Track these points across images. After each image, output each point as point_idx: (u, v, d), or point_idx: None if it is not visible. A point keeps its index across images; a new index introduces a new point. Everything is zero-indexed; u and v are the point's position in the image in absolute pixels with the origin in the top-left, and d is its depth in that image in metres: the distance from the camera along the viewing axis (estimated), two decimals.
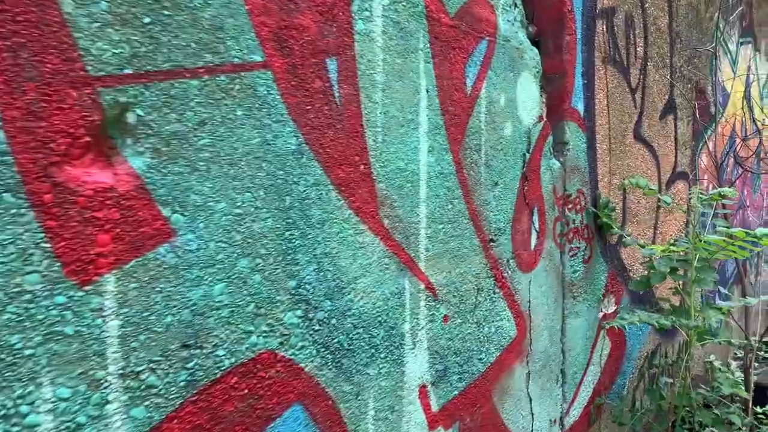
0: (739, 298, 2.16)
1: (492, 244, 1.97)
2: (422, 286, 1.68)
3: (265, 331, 1.27)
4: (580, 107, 2.40)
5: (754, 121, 3.72)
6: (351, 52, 1.45)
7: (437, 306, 1.74)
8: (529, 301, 2.16)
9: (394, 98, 1.57)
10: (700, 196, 2.26)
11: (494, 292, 1.98)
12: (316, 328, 1.38)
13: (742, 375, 3.49)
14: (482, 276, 1.92)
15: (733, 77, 4.14)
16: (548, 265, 2.26)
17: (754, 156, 3.94)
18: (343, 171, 1.43)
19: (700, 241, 2.12)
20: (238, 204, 1.21)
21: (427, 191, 1.69)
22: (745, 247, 1.99)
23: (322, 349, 1.40)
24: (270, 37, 1.26)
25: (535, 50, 2.16)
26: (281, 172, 1.29)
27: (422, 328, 1.69)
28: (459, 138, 1.80)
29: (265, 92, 1.26)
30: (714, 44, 3.23)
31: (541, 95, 2.25)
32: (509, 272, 2.05)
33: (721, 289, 2.37)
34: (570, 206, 2.37)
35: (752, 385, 2.70)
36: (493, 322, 1.97)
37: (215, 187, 1.17)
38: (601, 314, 2.66)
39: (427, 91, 1.68)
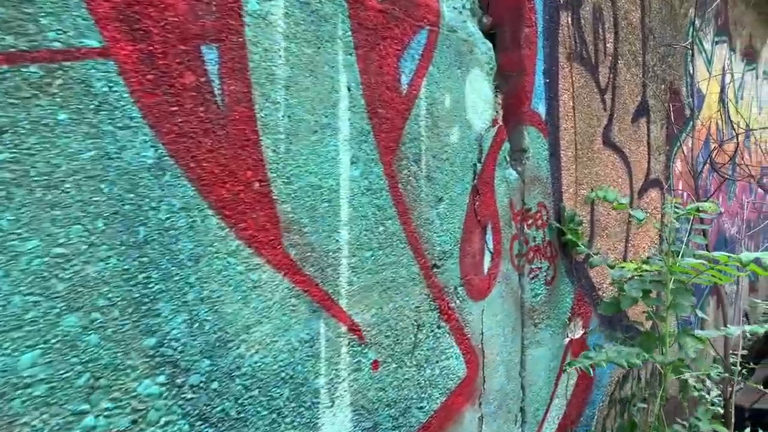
0: (719, 328, 1.90)
1: (436, 270, 1.67)
2: (343, 329, 1.37)
3: (107, 409, 0.95)
4: (542, 109, 2.11)
5: (731, 123, 3.50)
6: (239, 39, 1.13)
7: (364, 351, 1.43)
8: (482, 334, 1.87)
9: (303, 97, 1.26)
10: (676, 210, 2.00)
11: (439, 327, 1.68)
12: (189, 396, 1.06)
13: (720, 395, 3.26)
14: (423, 309, 1.62)
15: (709, 77, 3.92)
16: (505, 291, 1.97)
17: (730, 162, 3.72)
18: (228, 190, 1.12)
19: (676, 263, 1.86)
20: (61, 241, 0.89)
21: (350, 212, 1.38)
22: (728, 272, 1.72)
23: (198, 422, 1.08)
24: (112, 16, 0.94)
25: (488, 44, 1.87)
26: (131, 196, 0.97)
27: (343, 379, 1.38)
28: (392, 146, 1.50)
29: (105, 89, 0.93)
30: (690, 40, 2.99)
31: (495, 96, 1.95)
32: (457, 302, 1.75)
33: (699, 313, 2.11)
34: (530, 222, 2.08)
35: (733, 420, 2.46)
36: (437, 362, 1.67)
37: (21, 219, 0.84)
38: (567, 340, 2.38)
39: (349, 89, 1.37)
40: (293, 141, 1.24)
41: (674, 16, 3.30)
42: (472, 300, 1.82)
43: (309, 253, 1.28)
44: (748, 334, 1.83)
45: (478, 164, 1.82)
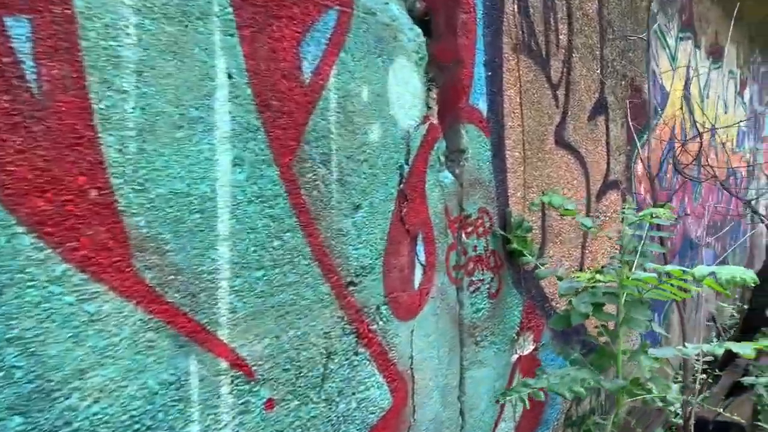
0: (676, 347, 1.72)
1: (352, 288, 1.45)
2: (224, 365, 1.15)
3: None
4: (483, 106, 1.91)
5: (694, 123, 3.35)
6: (65, 11, 0.90)
7: (255, 388, 1.21)
8: (412, 357, 1.66)
9: (163, 85, 1.03)
10: (630, 215, 1.81)
11: (356, 354, 1.46)
12: None
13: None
14: (335, 335, 1.40)
15: (672, 74, 3.78)
16: (439, 307, 1.76)
17: (694, 162, 3.58)
18: (49, 201, 0.88)
19: (628, 276, 1.67)
20: None
21: (233, 224, 1.15)
22: (684, 288, 1.54)
23: None
24: None
25: (417, 30, 1.66)
26: None
27: (226, 425, 1.15)
28: (292, 146, 1.27)
29: None
30: (647, 33, 2.81)
31: (429, 89, 1.75)
32: (380, 323, 1.54)
33: (656, 328, 1.94)
34: (469, 230, 1.88)
35: None
36: (353, 394, 1.46)
37: None
38: (515, 357, 2.18)
39: (230, 77, 1.14)
40: (148, 139, 1.01)
41: (635, 9, 3.14)
42: (400, 320, 1.61)
43: (173, 277, 1.05)
44: (704, 353, 1.66)
45: (406, 166, 1.60)
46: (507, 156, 2.07)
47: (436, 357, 1.75)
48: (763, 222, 3.84)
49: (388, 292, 1.56)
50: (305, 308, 1.32)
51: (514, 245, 2.04)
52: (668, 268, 1.50)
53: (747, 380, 3.62)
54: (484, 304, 1.97)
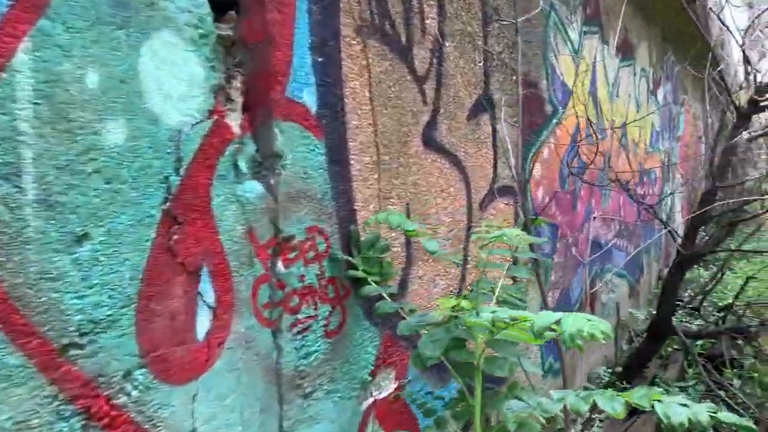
0: (538, 401, 1.39)
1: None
2: None
3: None
4: (310, 99, 1.53)
5: (590, 123, 3.11)
6: None
7: None
8: (194, 430, 1.25)
9: None
10: (483, 235, 1.48)
11: None
12: None
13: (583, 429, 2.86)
14: (39, 422, 0.98)
15: (575, 69, 3.53)
16: (242, 359, 1.36)
17: (595, 164, 3.34)
18: None
19: (475, 314, 1.33)
20: None
21: None
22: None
23: None
24: None
25: None
26: None
27: None
28: None
29: None
30: (519, 18, 2.48)
31: (230, 77, 1.35)
32: (134, 393, 1.13)
33: (528, 367, 1.62)
34: (291, 255, 1.49)
35: None
36: None
37: None
38: (368, 402, 1.82)
39: None
40: None
41: None
42: (171, 383, 1.20)
43: None
44: (569, 409, 1.36)
45: (175, 177, 1.20)
46: (352, 161, 1.70)
47: (239, 423, 1.36)
48: (666, 228, 3.66)
49: (149, 349, 1.15)
50: None
51: (360, 270, 1.67)
52: (507, 313, 1.16)
53: None
54: (318, 346, 1.59)
